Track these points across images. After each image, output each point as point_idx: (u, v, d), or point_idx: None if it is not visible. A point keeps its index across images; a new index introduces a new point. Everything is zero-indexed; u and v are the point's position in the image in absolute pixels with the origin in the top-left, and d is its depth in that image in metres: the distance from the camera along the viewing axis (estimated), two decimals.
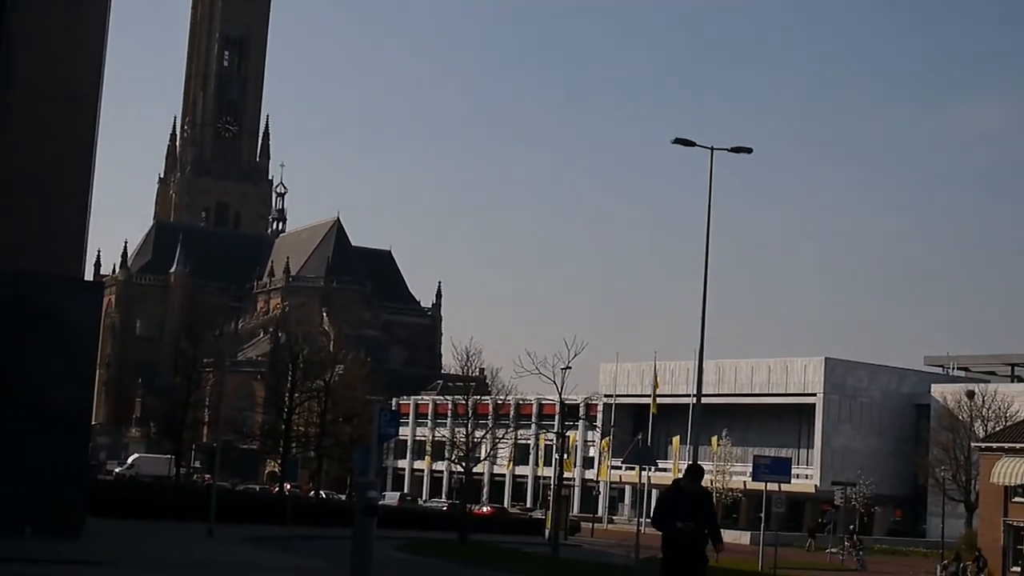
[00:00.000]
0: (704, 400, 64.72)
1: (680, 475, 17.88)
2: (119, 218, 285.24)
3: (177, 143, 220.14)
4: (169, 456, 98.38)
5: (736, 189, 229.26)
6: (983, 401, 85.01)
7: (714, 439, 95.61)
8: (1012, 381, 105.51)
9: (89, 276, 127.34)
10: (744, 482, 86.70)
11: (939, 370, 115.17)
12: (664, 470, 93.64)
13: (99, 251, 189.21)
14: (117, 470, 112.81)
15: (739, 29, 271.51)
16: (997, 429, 75.40)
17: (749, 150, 48.02)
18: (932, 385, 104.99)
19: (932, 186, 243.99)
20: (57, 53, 49.77)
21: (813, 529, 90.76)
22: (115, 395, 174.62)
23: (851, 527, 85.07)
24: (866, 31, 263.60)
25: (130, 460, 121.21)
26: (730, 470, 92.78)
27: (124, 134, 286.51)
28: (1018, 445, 64.03)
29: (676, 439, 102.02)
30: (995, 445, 66.39)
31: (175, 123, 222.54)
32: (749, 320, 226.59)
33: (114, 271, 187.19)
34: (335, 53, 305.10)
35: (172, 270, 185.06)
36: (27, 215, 46.67)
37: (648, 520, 27.46)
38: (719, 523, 18.15)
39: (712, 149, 46.83)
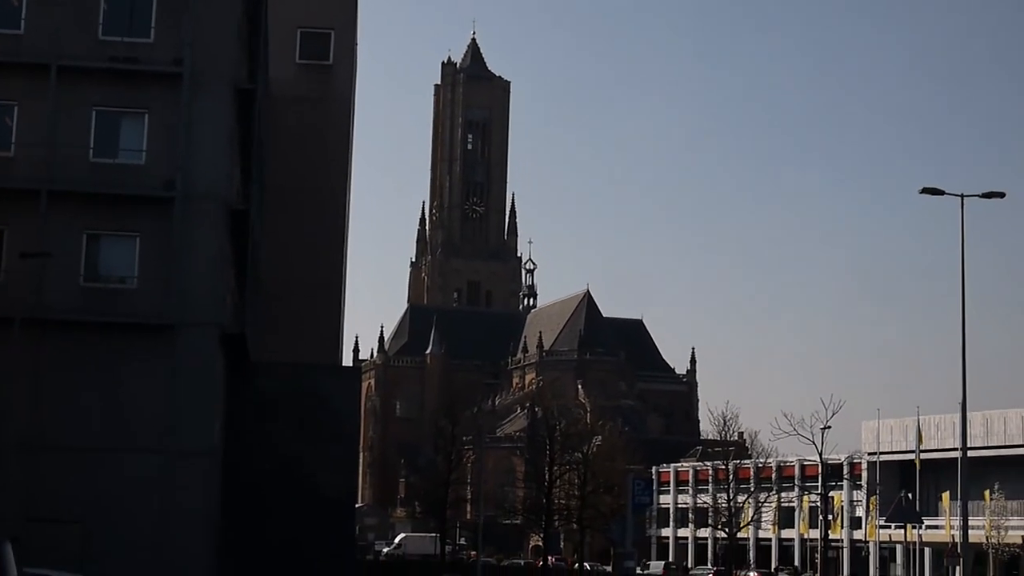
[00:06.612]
0: (972, 453, 62.71)
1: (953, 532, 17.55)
2: (374, 302, 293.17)
3: (426, 226, 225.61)
4: (435, 534, 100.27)
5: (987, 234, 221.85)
6: None
7: (986, 493, 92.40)
8: None
9: (348, 361, 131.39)
10: (1022, 536, 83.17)
11: None
12: (934, 527, 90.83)
13: (356, 336, 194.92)
14: (385, 550, 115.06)
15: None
16: None
17: (1002, 195, 46.64)
18: None
19: None
20: (308, 157, 52.11)
21: None
22: (379, 476, 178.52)
23: None
24: None
25: (397, 540, 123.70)
26: (1005, 524, 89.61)
27: (375, 221, 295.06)
28: None
29: (946, 495, 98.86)
30: None
31: (423, 207, 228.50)
32: (1013, 368, 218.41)
33: (372, 355, 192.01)
34: (575, 128, 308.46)
35: (428, 351, 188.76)
36: (289, 309, 48.79)
37: None
38: None
39: (962, 196, 45.56)
